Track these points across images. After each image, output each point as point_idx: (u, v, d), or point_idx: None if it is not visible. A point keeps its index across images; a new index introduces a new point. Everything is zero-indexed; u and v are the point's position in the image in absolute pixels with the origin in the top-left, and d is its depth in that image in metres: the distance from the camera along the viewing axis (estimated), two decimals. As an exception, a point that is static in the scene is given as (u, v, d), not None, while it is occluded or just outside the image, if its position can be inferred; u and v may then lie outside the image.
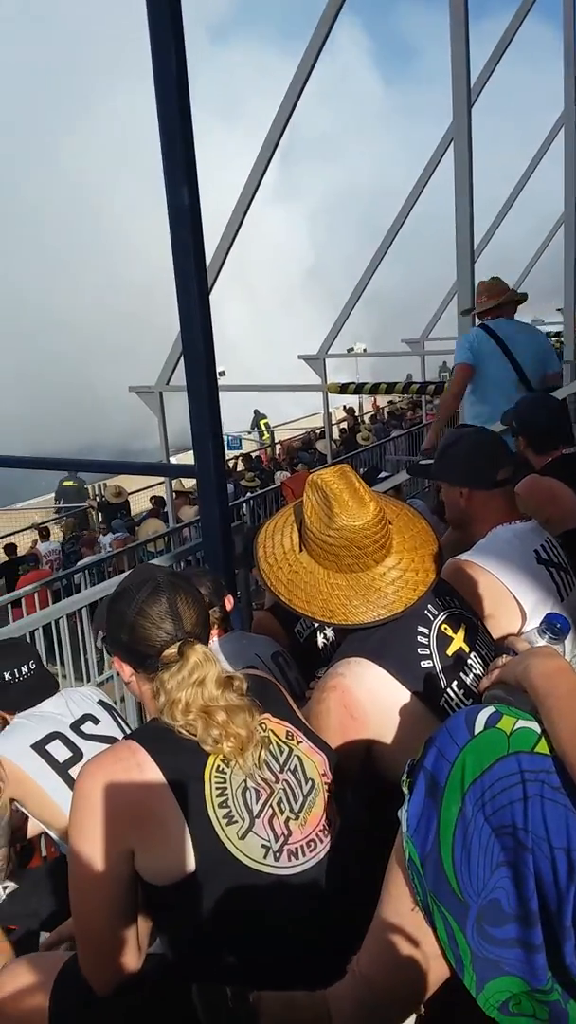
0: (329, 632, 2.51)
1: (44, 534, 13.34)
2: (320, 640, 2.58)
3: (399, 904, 1.06)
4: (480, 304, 4.54)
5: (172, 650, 1.43)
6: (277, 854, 1.35)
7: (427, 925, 1.01)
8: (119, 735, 2.64)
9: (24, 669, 2.61)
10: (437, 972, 1.04)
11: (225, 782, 1.35)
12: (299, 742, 1.47)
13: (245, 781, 1.37)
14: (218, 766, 1.36)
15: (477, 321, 4.64)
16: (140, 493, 15.40)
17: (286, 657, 2.50)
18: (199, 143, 2.90)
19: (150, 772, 1.32)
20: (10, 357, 32.30)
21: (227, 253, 8.75)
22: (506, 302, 4.45)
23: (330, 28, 7.45)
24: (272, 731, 1.45)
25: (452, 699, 1.55)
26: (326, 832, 1.42)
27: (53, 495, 18.44)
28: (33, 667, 2.62)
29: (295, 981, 1.22)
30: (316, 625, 2.52)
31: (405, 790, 1.03)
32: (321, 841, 1.41)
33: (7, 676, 2.61)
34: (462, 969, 0.96)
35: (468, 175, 4.73)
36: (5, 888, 2.55)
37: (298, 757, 1.45)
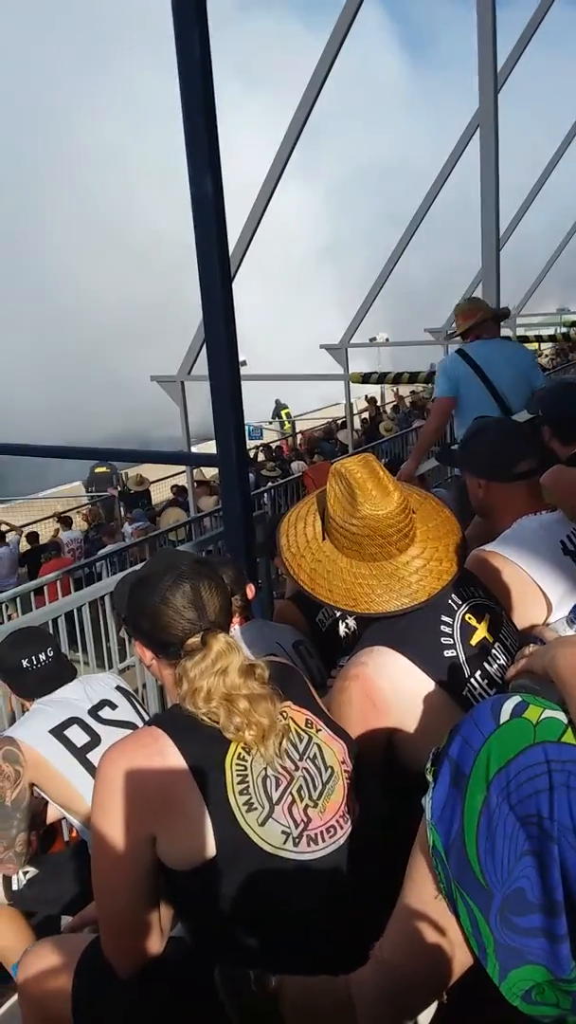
0: (351, 621, 2.51)
1: (66, 523, 13.45)
2: (342, 629, 2.58)
3: (422, 891, 1.06)
4: (458, 327, 4.47)
5: (195, 639, 1.44)
6: (296, 840, 1.35)
7: (450, 913, 1.01)
8: (137, 720, 2.66)
9: (42, 656, 2.63)
10: (460, 959, 1.04)
11: (246, 769, 1.36)
12: (318, 730, 1.48)
13: (265, 769, 1.37)
14: (239, 753, 1.37)
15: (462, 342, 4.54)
16: (161, 482, 15.46)
17: (307, 646, 2.50)
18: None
19: (172, 758, 1.33)
20: (40, 345, 32.54)
21: (249, 242, 8.73)
22: (482, 321, 4.33)
23: (356, 10, 7.39)
24: (292, 719, 1.46)
25: (475, 689, 1.55)
26: (345, 819, 1.42)
27: (76, 483, 18.57)
28: (51, 654, 2.64)
29: (315, 966, 1.23)
30: (338, 614, 2.51)
31: (429, 778, 1.02)
32: (340, 828, 1.41)
33: (24, 663, 2.63)
34: (485, 957, 0.96)
35: (494, 162, 4.68)
36: (26, 873, 2.58)
37: (317, 745, 1.45)
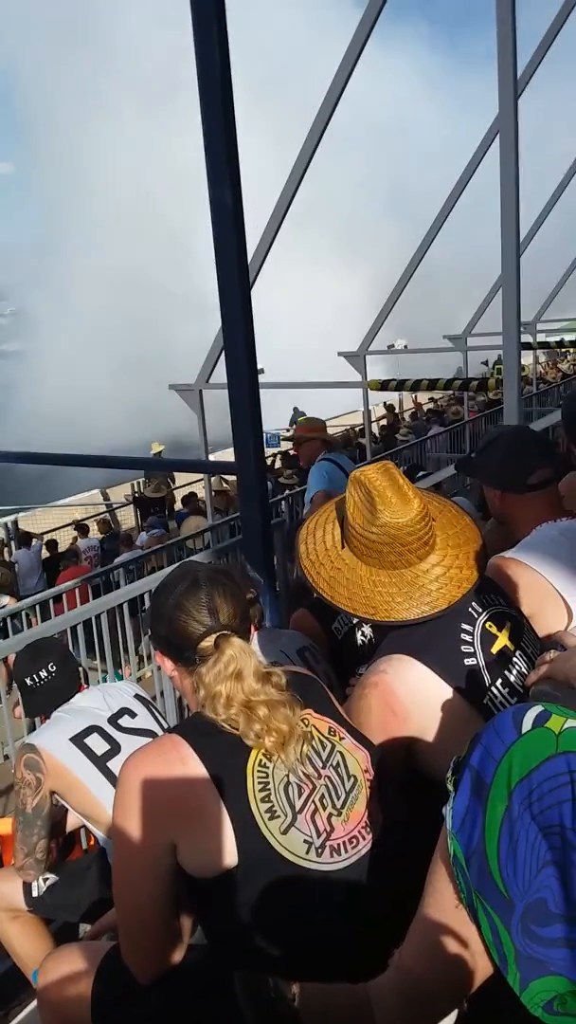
0: (367, 629, 2.50)
1: (83, 531, 13.54)
2: (358, 638, 2.57)
3: (443, 899, 1.05)
4: (299, 434, 5.75)
5: (208, 642, 1.44)
6: (319, 850, 1.35)
7: (471, 921, 1.00)
8: (156, 728, 2.66)
9: (43, 673, 2.63)
10: (481, 968, 1.03)
11: (267, 777, 1.35)
12: (342, 738, 1.47)
13: (287, 776, 1.37)
14: (260, 760, 1.36)
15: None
16: (178, 490, 15.50)
17: (313, 651, 2.49)
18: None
19: (192, 766, 1.33)
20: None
21: (268, 251, 8.75)
22: (320, 440, 5.64)
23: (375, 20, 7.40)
24: (315, 727, 1.45)
25: (496, 697, 1.54)
26: (368, 829, 1.42)
27: (95, 491, 18.64)
28: (53, 669, 2.64)
29: (336, 975, 1.22)
30: (354, 622, 2.51)
31: (450, 787, 1.02)
32: (363, 838, 1.40)
33: (29, 683, 2.65)
34: (506, 967, 0.95)
35: (514, 167, 4.65)
36: (46, 880, 2.59)
37: (340, 753, 1.45)
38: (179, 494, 14.94)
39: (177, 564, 1.75)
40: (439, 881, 1.06)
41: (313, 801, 1.37)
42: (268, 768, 1.36)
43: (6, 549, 12.63)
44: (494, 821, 0.95)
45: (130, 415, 31.35)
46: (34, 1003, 2.38)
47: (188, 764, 1.33)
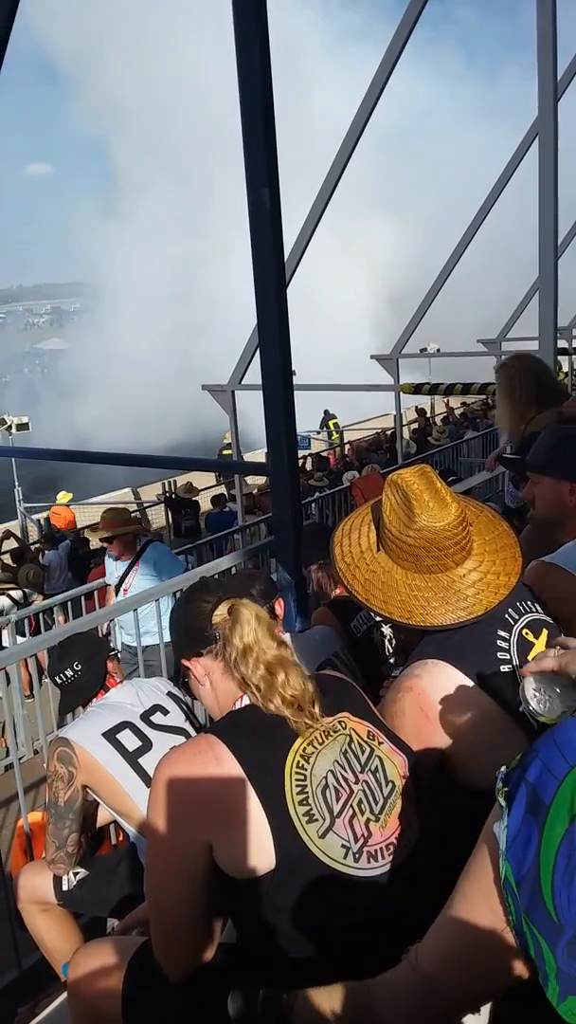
0: (386, 629, 2.49)
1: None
2: (376, 636, 2.57)
3: (475, 908, 1.03)
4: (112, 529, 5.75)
5: (222, 610, 1.52)
6: (357, 855, 1.34)
7: (515, 943, 0.98)
8: (187, 726, 2.68)
9: (69, 672, 2.67)
10: (505, 981, 1.01)
11: (305, 779, 1.35)
12: (380, 743, 1.46)
13: (326, 778, 1.36)
14: (298, 762, 1.36)
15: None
16: (209, 490, 15.57)
17: (343, 655, 2.48)
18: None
19: (229, 766, 1.33)
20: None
21: (303, 252, 8.75)
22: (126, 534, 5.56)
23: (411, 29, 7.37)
24: (354, 730, 1.45)
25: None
26: (405, 836, 1.41)
27: (126, 490, 18.78)
28: (79, 667, 2.68)
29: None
30: (374, 621, 2.50)
31: (502, 801, 0.98)
32: (400, 844, 1.39)
33: (58, 680, 2.69)
34: (546, 981, 0.93)
35: (553, 170, 4.61)
36: (76, 875, 2.61)
37: (379, 758, 1.44)
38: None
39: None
40: (472, 890, 1.03)
41: (351, 806, 1.37)
42: (306, 770, 1.36)
43: (36, 547, 12.76)
44: (551, 844, 0.91)
45: (164, 415, 31.68)
46: (63, 996, 2.40)
47: (224, 764, 1.33)
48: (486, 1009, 1.15)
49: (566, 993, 0.91)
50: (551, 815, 0.91)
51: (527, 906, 0.93)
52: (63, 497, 16.19)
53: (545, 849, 0.91)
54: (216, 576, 1.63)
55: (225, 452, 16.55)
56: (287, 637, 2.42)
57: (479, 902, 1.02)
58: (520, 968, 1.00)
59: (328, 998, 1.14)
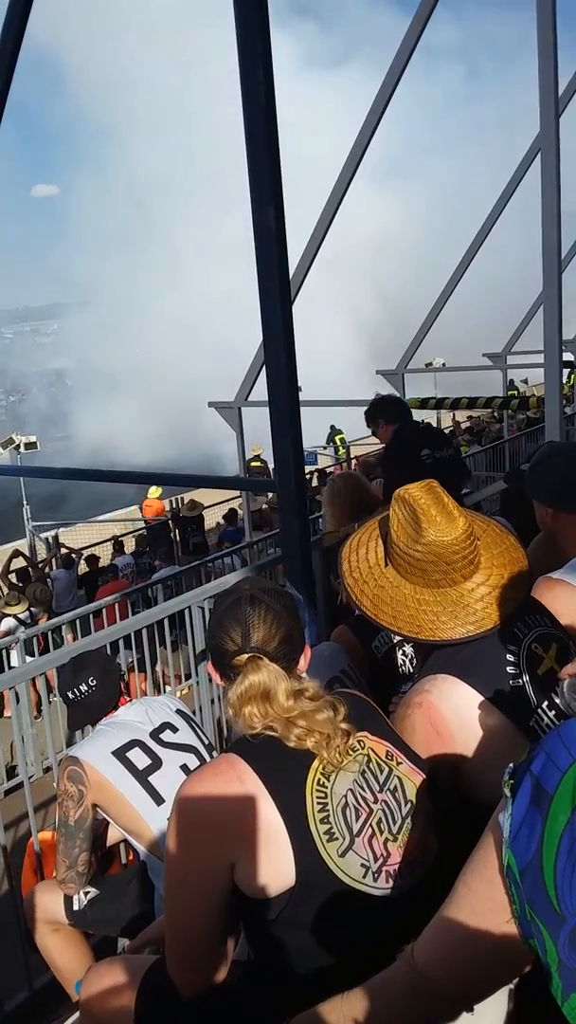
0: (408, 649, 2.48)
1: (119, 547, 13.65)
2: (399, 657, 2.56)
3: (477, 902, 1.02)
4: None
5: (240, 660, 1.43)
6: (376, 875, 1.34)
7: (520, 935, 0.98)
8: (197, 744, 2.67)
9: (83, 687, 2.67)
10: (504, 977, 1.01)
11: (326, 797, 1.34)
12: (399, 763, 1.46)
13: (345, 798, 1.36)
14: (319, 780, 1.35)
15: None
16: (215, 507, 15.60)
17: (352, 673, 2.46)
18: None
19: (251, 785, 1.32)
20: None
21: (308, 268, 8.80)
22: None
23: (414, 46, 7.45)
24: (372, 749, 1.44)
25: (542, 719, 1.52)
26: (423, 855, 1.40)
27: (132, 507, 18.82)
28: (93, 683, 2.68)
29: None
30: (395, 641, 2.49)
31: (507, 792, 0.98)
32: (418, 864, 1.39)
33: (71, 696, 2.69)
34: (549, 977, 0.93)
35: (555, 184, 4.64)
36: (87, 894, 2.60)
37: (398, 778, 1.43)
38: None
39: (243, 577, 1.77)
40: (476, 881, 1.03)
41: (370, 825, 1.36)
42: (326, 788, 1.35)
43: (46, 566, 12.80)
44: (554, 833, 0.92)
45: (162, 433, 31.84)
46: (75, 1016, 2.39)
47: (246, 783, 1.32)
48: (481, 1008, 1.14)
49: (568, 990, 0.90)
50: (554, 805, 0.92)
51: (530, 896, 0.93)
52: (154, 492, 16.38)
53: (548, 839, 0.92)
54: (251, 593, 1.53)
55: (253, 464, 16.49)
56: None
57: (483, 893, 1.02)
58: (521, 963, 0.99)
59: (330, 1011, 1.14)
